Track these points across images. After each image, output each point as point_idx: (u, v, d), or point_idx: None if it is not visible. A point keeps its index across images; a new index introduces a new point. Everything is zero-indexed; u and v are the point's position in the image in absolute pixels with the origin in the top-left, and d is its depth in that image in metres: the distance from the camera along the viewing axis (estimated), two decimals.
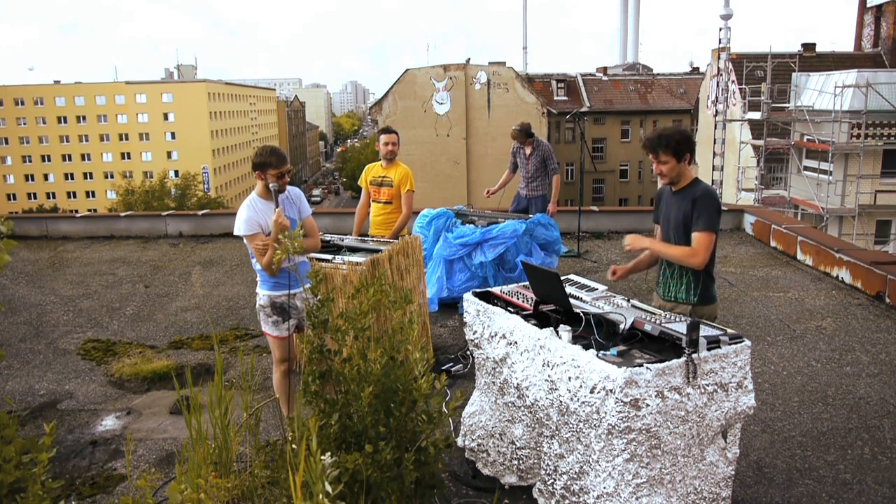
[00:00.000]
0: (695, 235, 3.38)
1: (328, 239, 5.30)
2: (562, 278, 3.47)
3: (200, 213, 11.34)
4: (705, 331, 3.03)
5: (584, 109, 40.55)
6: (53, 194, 68.73)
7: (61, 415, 4.75)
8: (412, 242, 5.30)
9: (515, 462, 3.56)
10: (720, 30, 26.46)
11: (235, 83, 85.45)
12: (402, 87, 35.27)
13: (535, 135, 8.01)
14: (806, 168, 22.82)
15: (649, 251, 3.65)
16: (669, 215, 3.55)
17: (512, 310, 3.54)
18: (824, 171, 21.14)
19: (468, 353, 5.30)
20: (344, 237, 5.46)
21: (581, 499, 3.04)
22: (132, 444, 4.23)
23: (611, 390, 2.76)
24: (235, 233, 3.92)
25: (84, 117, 69.30)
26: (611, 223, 10.48)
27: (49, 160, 69.59)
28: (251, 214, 3.86)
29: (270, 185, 3.80)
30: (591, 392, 2.84)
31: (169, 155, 68.52)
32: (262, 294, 3.99)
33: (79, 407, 4.86)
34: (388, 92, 35.72)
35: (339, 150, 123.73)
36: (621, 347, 2.99)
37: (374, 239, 5.53)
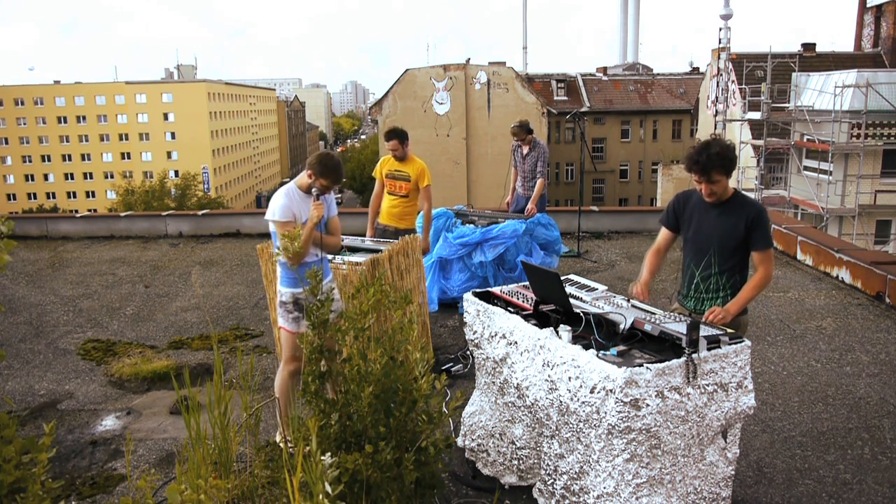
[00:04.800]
0: (759, 255, 3.46)
1: None
2: (562, 278, 3.47)
3: (200, 213, 11.35)
4: (705, 331, 3.03)
5: (584, 109, 40.54)
6: (53, 194, 68.70)
7: (61, 415, 4.75)
8: (412, 242, 5.31)
9: (515, 462, 3.56)
10: (720, 30, 26.49)
11: (235, 83, 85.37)
12: (402, 87, 35.25)
13: (534, 132, 8.01)
14: (806, 168, 22.82)
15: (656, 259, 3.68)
16: (704, 227, 3.53)
17: (512, 310, 3.53)
18: (824, 171, 21.14)
19: (468, 353, 5.30)
20: (343, 237, 5.46)
21: (581, 499, 3.04)
22: (132, 444, 4.23)
23: (611, 390, 2.76)
24: (268, 217, 3.90)
25: (84, 117, 69.27)
26: (611, 223, 10.48)
27: (49, 160, 69.58)
28: (287, 202, 3.86)
29: (314, 189, 3.86)
30: (591, 392, 2.84)
31: (169, 155, 68.47)
32: (285, 291, 3.93)
33: (79, 407, 4.86)
34: (388, 92, 35.69)
35: (339, 150, 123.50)
36: (621, 347, 2.99)
37: (374, 239, 5.58)
